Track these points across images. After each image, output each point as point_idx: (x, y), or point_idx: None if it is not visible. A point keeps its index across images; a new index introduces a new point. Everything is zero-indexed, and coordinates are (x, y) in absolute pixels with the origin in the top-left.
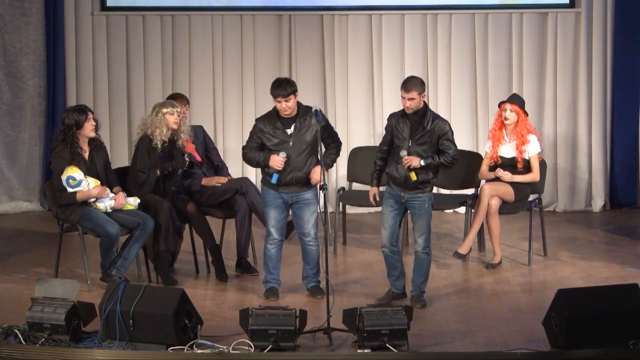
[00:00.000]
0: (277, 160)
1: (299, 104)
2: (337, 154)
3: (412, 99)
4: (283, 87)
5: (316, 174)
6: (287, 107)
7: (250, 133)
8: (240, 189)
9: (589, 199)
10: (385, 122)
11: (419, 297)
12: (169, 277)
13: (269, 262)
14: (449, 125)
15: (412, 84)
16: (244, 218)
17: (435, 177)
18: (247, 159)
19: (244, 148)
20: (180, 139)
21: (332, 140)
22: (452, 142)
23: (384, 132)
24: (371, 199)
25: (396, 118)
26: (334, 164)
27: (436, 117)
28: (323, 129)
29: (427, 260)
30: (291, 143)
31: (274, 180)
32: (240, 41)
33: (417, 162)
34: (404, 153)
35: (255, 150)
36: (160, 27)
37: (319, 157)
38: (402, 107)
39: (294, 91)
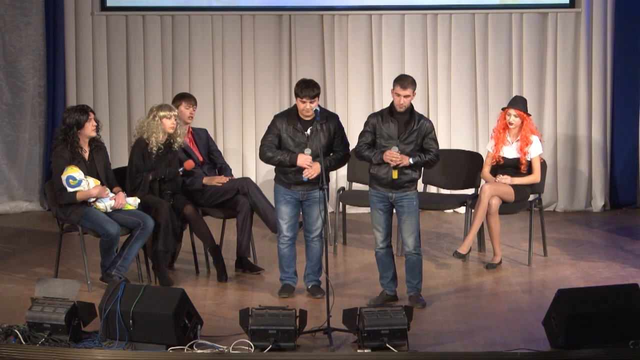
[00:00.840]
0: (307, 160)
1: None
2: (341, 162)
3: (408, 96)
4: (312, 88)
5: (313, 169)
6: (311, 108)
7: (269, 128)
8: (241, 189)
9: (589, 199)
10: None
11: (417, 296)
12: (165, 277)
13: (281, 261)
14: (432, 124)
15: (408, 81)
16: (246, 218)
17: (420, 175)
18: (267, 157)
19: (262, 146)
20: (177, 142)
21: (341, 149)
22: (436, 141)
23: (364, 133)
24: (392, 155)
25: (380, 117)
26: (334, 169)
27: (421, 116)
28: (336, 135)
29: (419, 261)
30: (307, 145)
31: (305, 178)
32: (240, 41)
33: (407, 160)
34: (395, 149)
35: (275, 148)
36: (160, 27)
37: (320, 159)
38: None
39: (319, 93)
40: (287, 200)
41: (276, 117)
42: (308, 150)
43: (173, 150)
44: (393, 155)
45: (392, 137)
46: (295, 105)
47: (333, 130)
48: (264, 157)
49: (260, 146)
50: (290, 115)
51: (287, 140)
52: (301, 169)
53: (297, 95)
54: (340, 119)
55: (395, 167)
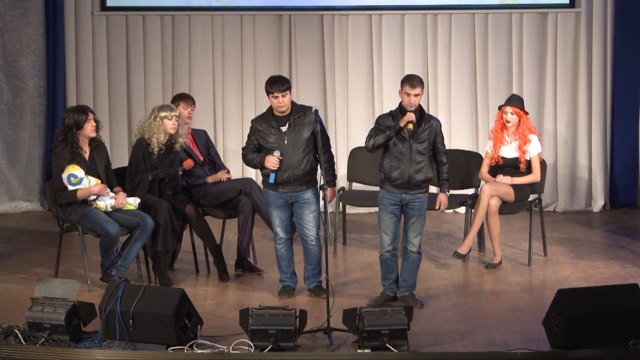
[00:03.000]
0: (272, 161)
1: (292, 102)
2: (334, 172)
3: (418, 94)
4: (280, 82)
5: (329, 197)
6: (284, 102)
7: (248, 135)
8: (244, 189)
9: (589, 199)
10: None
11: (412, 296)
12: (165, 278)
13: (280, 262)
14: (440, 122)
15: (416, 80)
16: (247, 218)
17: (432, 175)
18: (246, 161)
19: (243, 150)
20: (178, 143)
21: (324, 150)
22: (444, 143)
23: (376, 128)
24: (410, 116)
25: (391, 118)
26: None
27: (429, 115)
28: (319, 132)
29: (420, 260)
30: (286, 141)
31: (271, 180)
32: (240, 41)
33: (445, 200)
34: (412, 115)
35: (253, 152)
36: (160, 27)
37: (320, 158)
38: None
39: (290, 87)
40: (278, 205)
41: (252, 121)
42: (277, 152)
43: (174, 150)
44: (410, 117)
45: (406, 137)
46: (270, 107)
47: (311, 124)
48: (244, 160)
49: (242, 150)
50: (265, 115)
51: (265, 139)
52: (283, 166)
53: (268, 93)
54: (340, 119)
55: (408, 122)
